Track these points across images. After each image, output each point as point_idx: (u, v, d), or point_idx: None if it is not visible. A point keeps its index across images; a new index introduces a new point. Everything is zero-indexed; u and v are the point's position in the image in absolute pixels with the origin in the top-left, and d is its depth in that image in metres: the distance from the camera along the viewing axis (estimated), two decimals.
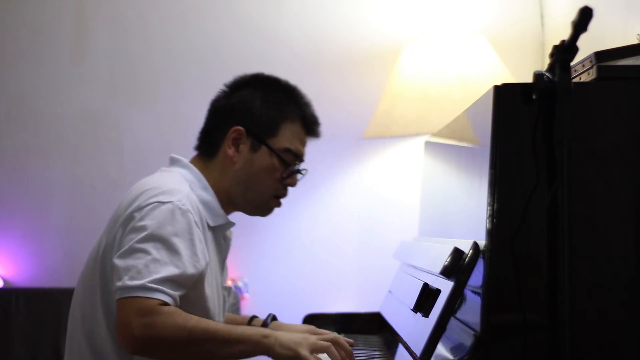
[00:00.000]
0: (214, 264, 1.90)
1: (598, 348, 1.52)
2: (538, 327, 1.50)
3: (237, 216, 2.01)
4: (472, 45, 3.19)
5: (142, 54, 3.55)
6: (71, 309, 1.93)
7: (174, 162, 1.99)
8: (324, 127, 3.50)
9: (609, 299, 1.54)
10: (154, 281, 1.69)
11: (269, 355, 1.76)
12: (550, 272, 1.49)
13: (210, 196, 1.92)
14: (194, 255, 1.77)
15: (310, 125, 2.02)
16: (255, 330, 1.78)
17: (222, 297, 1.98)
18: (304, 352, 1.74)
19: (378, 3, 3.48)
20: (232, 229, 2.05)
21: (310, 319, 2.54)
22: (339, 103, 3.47)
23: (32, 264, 3.52)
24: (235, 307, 3.27)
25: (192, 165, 1.96)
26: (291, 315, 2.62)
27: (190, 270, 1.75)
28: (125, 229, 1.78)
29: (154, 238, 1.73)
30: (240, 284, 3.41)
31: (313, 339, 1.79)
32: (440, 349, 1.62)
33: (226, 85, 2.04)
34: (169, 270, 1.72)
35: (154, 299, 1.69)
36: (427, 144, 2.54)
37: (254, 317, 2.20)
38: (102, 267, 1.83)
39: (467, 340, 1.54)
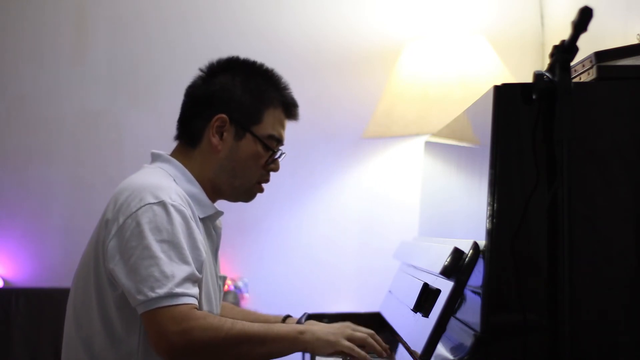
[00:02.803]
0: (208, 255, 1.89)
1: (598, 348, 1.53)
2: (538, 327, 1.50)
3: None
4: (472, 45, 3.19)
5: (142, 54, 3.55)
6: (67, 315, 1.90)
7: (155, 157, 1.97)
8: (324, 127, 3.52)
9: (609, 299, 1.54)
10: (177, 285, 1.69)
11: (307, 351, 1.77)
12: (550, 272, 1.49)
13: (196, 188, 1.90)
14: (195, 249, 1.77)
15: (290, 109, 2.01)
16: (291, 328, 1.78)
17: (217, 287, 1.97)
18: (343, 341, 1.76)
19: (378, 3, 3.48)
20: (223, 220, 2.03)
21: (310, 319, 2.53)
22: (339, 103, 3.47)
23: (32, 264, 3.52)
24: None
25: (173, 159, 1.94)
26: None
27: (196, 265, 1.76)
28: (122, 238, 1.75)
29: (157, 241, 1.72)
30: (240, 284, 3.41)
31: (349, 330, 1.81)
32: (440, 349, 1.62)
33: (202, 70, 2.00)
34: (183, 270, 1.71)
35: (183, 304, 1.68)
36: (427, 144, 2.54)
37: (287, 317, 2.20)
38: (96, 274, 1.81)
39: (467, 340, 1.54)
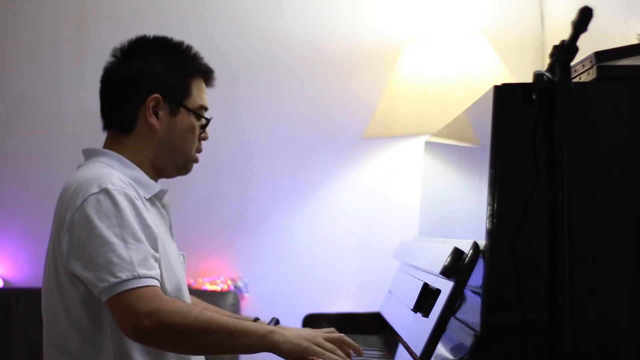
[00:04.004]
0: (162, 234, 1.89)
1: (598, 348, 1.53)
2: (538, 327, 1.51)
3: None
4: (472, 45, 3.19)
5: None
6: (43, 327, 1.90)
7: (88, 154, 1.99)
8: (324, 127, 3.52)
9: (609, 299, 1.54)
10: (138, 266, 1.69)
11: (274, 352, 1.75)
12: (550, 272, 1.49)
13: (135, 171, 1.90)
14: (146, 227, 1.77)
15: (209, 76, 2.04)
16: (261, 326, 1.77)
17: (180, 265, 1.97)
18: (313, 347, 1.74)
19: (378, 3, 3.48)
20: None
21: (310, 319, 2.54)
22: (339, 103, 3.47)
23: (32, 264, 3.52)
24: (236, 308, 3.27)
25: (107, 150, 1.95)
26: (291, 316, 2.62)
27: (150, 243, 1.76)
28: (73, 233, 1.76)
29: (108, 227, 1.72)
30: (240, 284, 3.41)
31: (320, 337, 1.79)
32: (440, 349, 1.62)
33: (115, 55, 2.02)
34: (140, 250, 1.72)
35: (147, 286, 1.69)
36: (427, 144, 2.54)
37: (256, 319, 2.20)
38: (57, 279, 1.81)
39: (467, 340, 1.54)
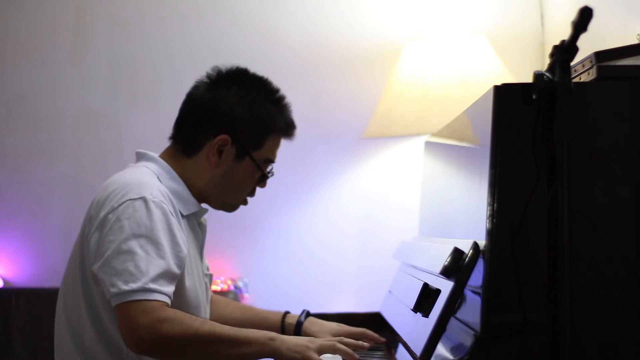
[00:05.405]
0: (192, 253, 1.91)
1: (598, 348, 1.52)
2: (538, 327, 1.51)
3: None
4: (472, 45, 3.19)
5: (142, 54, 3.55)
6: (56, 314, 1.92)
7: (139, 157, 1.99)
8: (324, 127, 3.52)
9: (609, 299, 1.54)
10: (150, 280, 1.70)
11: (275, 358, 1.77)
12: (550, 272, 1.49)
13: (179, 185, 1.91)
14: (175, 245, 1.78)
15: (290, 131, 2.03)
16: (261, 333, 1.79)
17: (204, 285, 1.98)
18: (312, 354, 1.76)
19: (378, 3, 3.48)
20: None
21: (310, 316, 2.53)
22: (339, 103, 3.47)
23: (32, 264, 3.52)
24: None
25: (158, 158, 1.95)
26: None
27: (175, 261, 1.77)
28: (102, 233, 1.77)
29: (135, 236, 1.73)
30: (240, 284, 3.41)
31: (319, 341, 1.81)
32: (440, 349, 1.62)
33: (208, 77, 1.99)
34: (159, 266, 1.73)
35: (154, 300, 1.70)
36: (427, 144, 2.54)
37: (287, 313, 2.21)
38: (82, 271, 1.83)
39: (467, 340, 1.54)
